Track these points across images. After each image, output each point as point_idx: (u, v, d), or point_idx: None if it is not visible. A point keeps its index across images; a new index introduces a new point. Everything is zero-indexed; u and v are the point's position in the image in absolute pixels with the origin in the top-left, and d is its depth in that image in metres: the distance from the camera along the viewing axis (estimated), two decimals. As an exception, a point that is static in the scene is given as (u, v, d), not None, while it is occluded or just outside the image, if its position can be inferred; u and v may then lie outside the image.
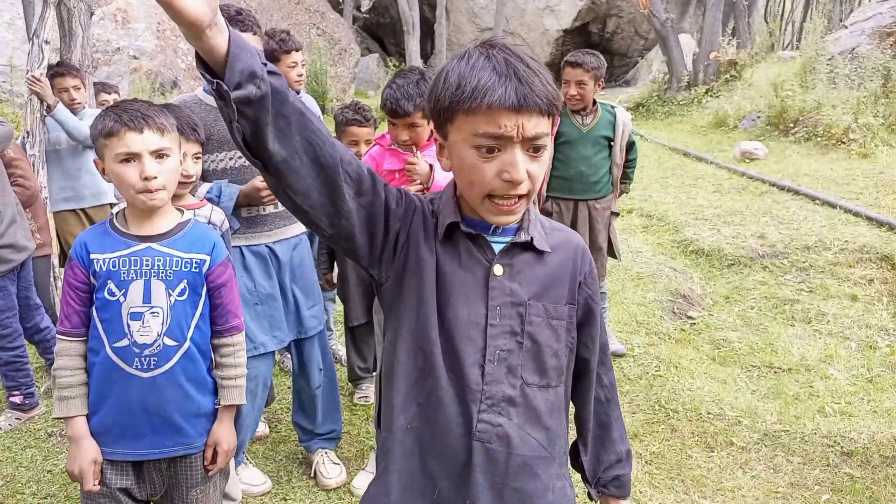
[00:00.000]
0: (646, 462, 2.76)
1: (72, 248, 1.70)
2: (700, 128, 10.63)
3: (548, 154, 1.12)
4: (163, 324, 1.68)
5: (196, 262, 1.73)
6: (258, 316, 2.43)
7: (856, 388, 3.33)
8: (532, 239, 1.19)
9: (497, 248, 1.18)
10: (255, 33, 2.38)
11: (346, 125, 3.00)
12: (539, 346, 1.18)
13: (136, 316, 1.66)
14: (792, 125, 8.69)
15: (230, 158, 2.40)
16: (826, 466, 2.71)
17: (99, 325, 1.67)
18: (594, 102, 3.46)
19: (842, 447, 2.81)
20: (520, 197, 1.10)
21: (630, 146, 3.61)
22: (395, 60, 19.09)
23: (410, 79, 2.37)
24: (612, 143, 3.54)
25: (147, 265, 1.67)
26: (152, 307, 1.67)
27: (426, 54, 19.02)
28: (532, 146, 1.07)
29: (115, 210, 2.11)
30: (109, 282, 1.65)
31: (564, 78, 3.39)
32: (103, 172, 1.69)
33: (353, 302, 3.14)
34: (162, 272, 1.68)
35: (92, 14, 5.11)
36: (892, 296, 4.37)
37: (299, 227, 2.59)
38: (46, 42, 3.64)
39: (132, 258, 1.66)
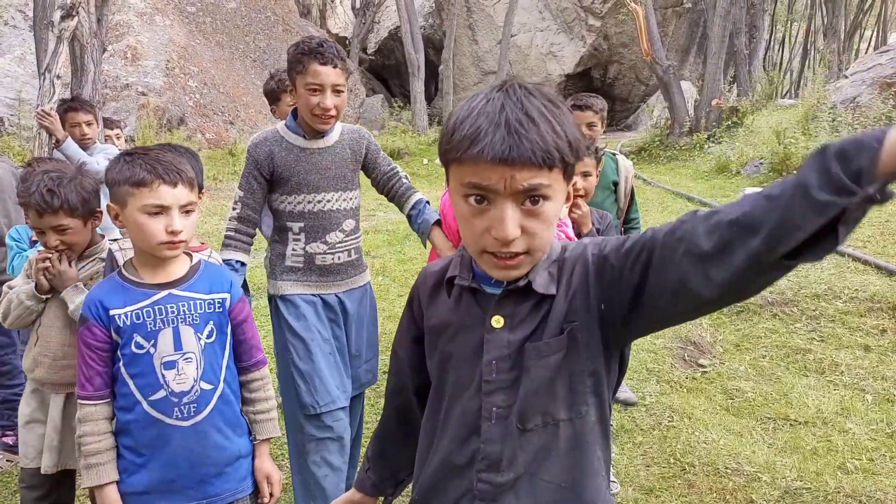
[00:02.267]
0: (663, 519, 2.65)
1: (83, 307, 1.64)
2: (703, 173, 10.68)
3: (554, 209, 1.01)
4: (197, 368, 1.65)
5: (218, 302, 1.70)
6: (332, 367, 2.29)
7: (876, 443, 3.23)
8: (531, 282, 1.04)
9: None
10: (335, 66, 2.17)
11: None
12: (539, 386, 1.06)
13: (171, 365, 1.62)
14: (795, 171, 8.72)
15: (308, 202, 2.27)
16: (851, 527, 2.60)
17: (130, 382, 1.61)
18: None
19: (867, 507, 2.70)
20: (517, 254, 1.00)
21: (632, 197, 3.60)
22: (400, 101, 19.32)
23: None
24: (616, 188, 3.55)
25: (173, 312, 1.63)
26: (185, 353, 1.63)
27: (430, 96, 19.27)
28: (529, 198, 0.97)
29: (118, 254, 2.05)
30: (136, 335, 1.60)
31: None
32: (115, 217, 1.64)
33: None
34: (189, 317, 1.64)
35: (104, 51, 5.15)
36: (906, 347, 4.29)
37: (366, 277, 2.47)
38: (58, 77, 3.64)
39: (156, 307, 1.62)
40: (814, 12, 23.25)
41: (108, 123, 4.87)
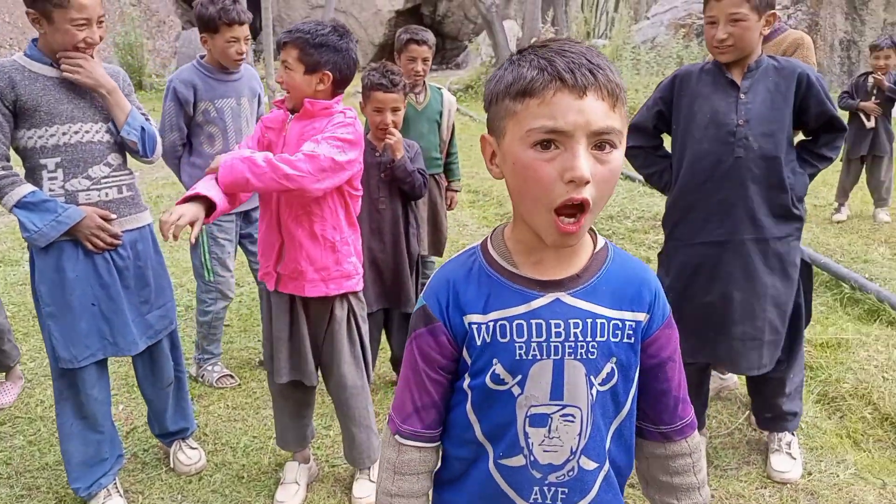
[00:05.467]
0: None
1: (424, 293, 1.05)
2: (524, 109, 11.24)
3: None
4: (580, 435, 1.01)
5: (630, 326, 1.01)
6: (94, 318, 2.13)
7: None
8: None
9: None
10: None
11: (371, 90, 2.71)
12: None
13: (540, 420, 1.01)
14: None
15: (63, 133, 2.05)
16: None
17: (476, 425, 1.04)
18: (423, 81, 3.57)
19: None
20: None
21: (452, 132, 3.76)
22: (222, 35, 18.14)
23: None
24: (440, 120, 3.68)
25: (558, 334, 0.98)
26: (564, 407, 1.00)
27: (254, 30, 18.29)
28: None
29: None
30: (496, 361, 0.99)
31: (410, 55, 3.42)
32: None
33: None
34: (581, 346, 0.99)
35: None
36: (678, 257, 4.97)
37: (146, 218, 2.29)
38: None
39: (533, 322, 0.98)
40: (625, -44, 24.74)
41: None
